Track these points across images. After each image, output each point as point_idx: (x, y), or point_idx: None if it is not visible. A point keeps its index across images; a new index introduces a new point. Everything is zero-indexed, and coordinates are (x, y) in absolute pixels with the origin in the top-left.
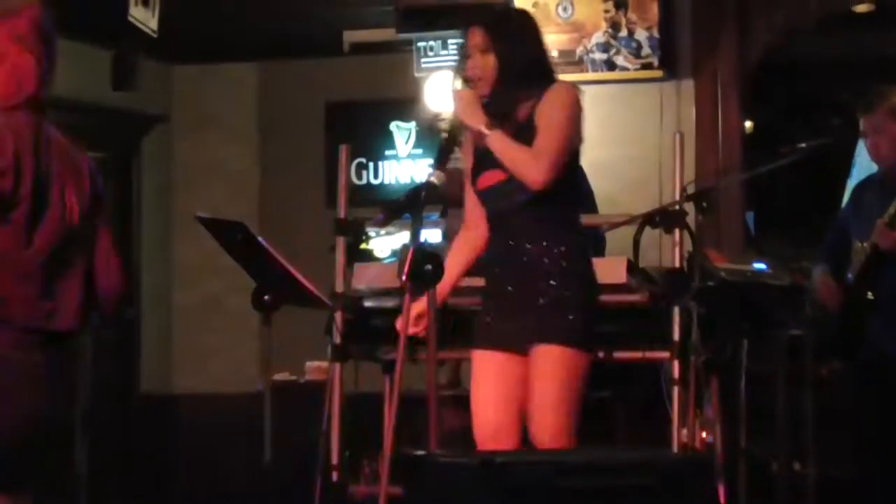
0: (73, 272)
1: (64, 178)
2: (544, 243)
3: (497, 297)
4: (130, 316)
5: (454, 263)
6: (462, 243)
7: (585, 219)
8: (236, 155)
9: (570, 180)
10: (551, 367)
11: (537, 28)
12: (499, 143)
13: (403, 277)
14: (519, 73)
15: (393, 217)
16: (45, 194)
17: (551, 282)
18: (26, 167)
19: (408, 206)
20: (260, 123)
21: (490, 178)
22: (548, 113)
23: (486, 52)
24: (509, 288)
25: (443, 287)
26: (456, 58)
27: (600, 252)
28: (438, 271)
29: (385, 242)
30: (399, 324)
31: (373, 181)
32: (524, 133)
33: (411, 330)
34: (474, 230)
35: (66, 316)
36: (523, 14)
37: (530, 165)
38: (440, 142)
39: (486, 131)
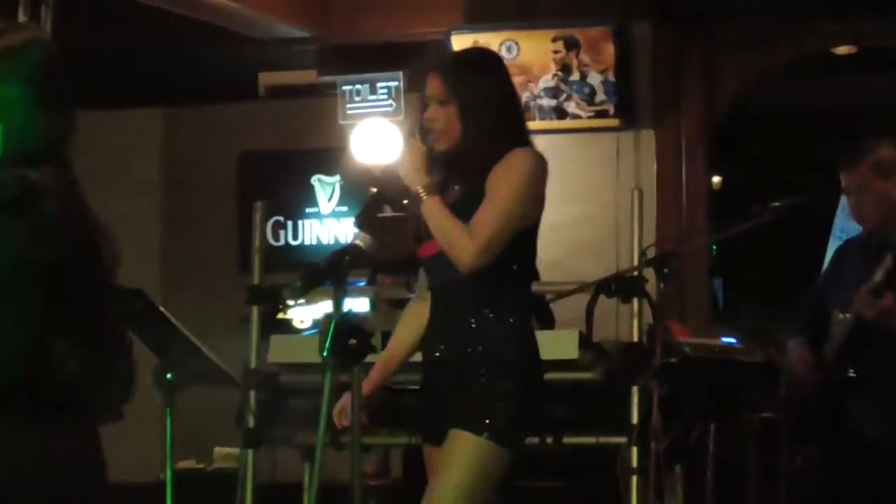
0: None
1: None
2: (480, 328)
3: (431, 385)
4: None
5: (401, 338)
6: (412, 315)
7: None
8: (137, 211)
9: (518, 258)
10: (458, 453)
11: (506, 75)
12: (431, 212)
13: (325, 352)
14: (482, 128)
15: (313, 284)
16: None
17: (482, 370)
18: None
19: (330, 271)
20: (164, 176)
21: (430, 247)
22: (495, 182)
23: (446, 103)
24: (443, 374)
25: (387, 364)
26: (387, 102)
27: (548, 325)
28: (364, 345)
29: (305, 312)
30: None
31: (291, 242)
32: (474, 202)
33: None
34: (425, 301)
35: None
36: (491, 58)
37: (460, 244)
38: (367, 196)
39: (422, 195)
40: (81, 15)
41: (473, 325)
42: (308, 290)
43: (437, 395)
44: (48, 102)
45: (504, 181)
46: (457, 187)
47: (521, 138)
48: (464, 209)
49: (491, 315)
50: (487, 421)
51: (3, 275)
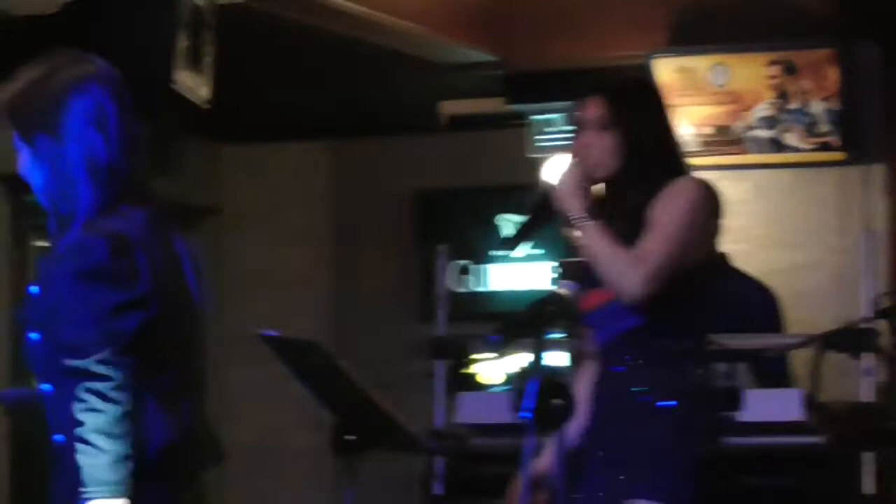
0: None
1: None
2: (647, 387)
3: (590, 456)
4: None
5: (581, 401)
6: (589, 375)
7: (748, 340)
8: (303, 256)
9: (689, 302)
10: None
11: (667, 109)
12: (593, 237)
13: (525, 413)
14: (644, 158)
15: (514, 337)
16: None
17: (655, 434)
18: None
19: (531, 322)
20: (333, 217)
21: (594, 297)
22: (660, 209)
23: (605, 129)
24: (603, 444)
25: (575, 429)
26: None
27: (776, 383)
28: (569, 407)
29: (492, 366)
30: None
31: (477, 289)
32: (631, 234)
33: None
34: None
35: None
36: (653, 90)
37: (627, 271)
38: (528, 218)
39: (582, 220)
40: (246, 40)
41: (639, 386)
42: (507, 344)
43: (603, 463)
44: (124, 139)
45: (668, 209)
46: (611, 218)
47: (681, 171)
48: (622, 241)
49: (659, 371)
50: (667, 490)
51: (92, 346)
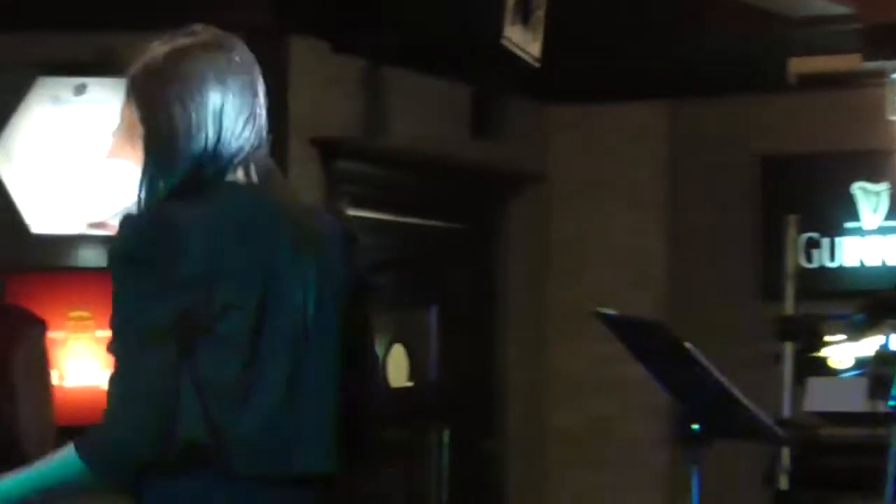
0: None
1: None
2: None
3: None
4: (490, 448)
5: None
6: None
7: None
8: (637, 227)
9: None
10: None
11: None
12: None
13: (891, 402)
14: None
15: (882, 317)
16: None
17: None
18: None
19: None
20: (670, 184)
21: None
22: None
23: None
24: None
25: None
26: None
27: None
28: None
29: (844, 350)
30: None
31: (828, 264)
32: None
33: None
34: None
35: None
36: None
37: None
38: None
39: None
40: None
41: None
42: (875, 325)
43: None
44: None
45: None
46: None
47: None
48: None
49: None
50: None
51: (115, 332)
